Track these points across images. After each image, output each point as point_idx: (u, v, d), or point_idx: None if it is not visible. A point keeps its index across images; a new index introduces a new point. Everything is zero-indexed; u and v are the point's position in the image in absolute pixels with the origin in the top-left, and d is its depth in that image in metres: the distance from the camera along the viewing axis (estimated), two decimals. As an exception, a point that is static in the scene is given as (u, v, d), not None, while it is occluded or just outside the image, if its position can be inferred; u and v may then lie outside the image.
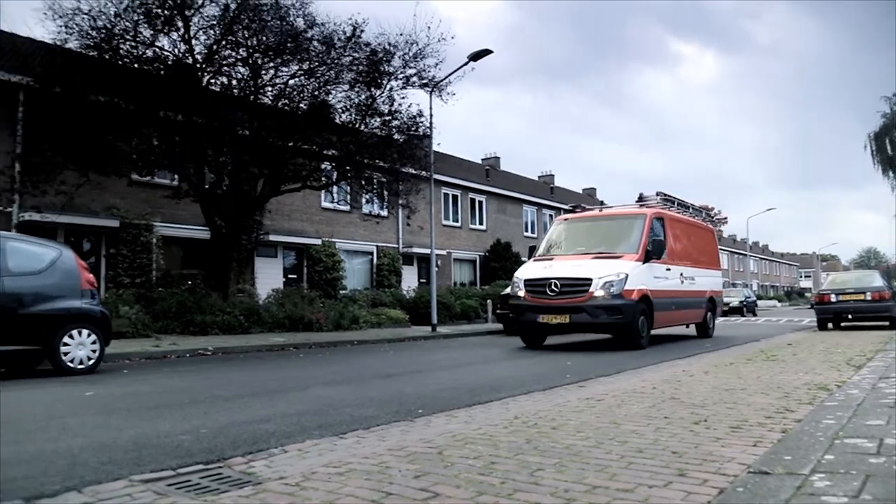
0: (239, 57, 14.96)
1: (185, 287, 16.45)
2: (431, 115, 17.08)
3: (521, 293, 11.72)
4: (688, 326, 14.85)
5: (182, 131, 15.40)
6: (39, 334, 7.64)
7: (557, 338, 13.39)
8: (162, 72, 15.10)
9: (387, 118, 16.28)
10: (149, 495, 2.79)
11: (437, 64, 16.17)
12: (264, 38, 14.48)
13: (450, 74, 16.80)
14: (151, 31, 14.77)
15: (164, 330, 14.17)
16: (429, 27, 16.80)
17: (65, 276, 8.06)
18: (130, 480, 3.00)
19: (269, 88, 15.68)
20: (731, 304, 35.66)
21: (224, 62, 15.06)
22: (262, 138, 15.34)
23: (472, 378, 7.43)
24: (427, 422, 4.39)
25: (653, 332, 12.30)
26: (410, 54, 15.65)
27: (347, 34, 15.46)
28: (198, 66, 14.96)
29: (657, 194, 13.81)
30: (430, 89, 16.49)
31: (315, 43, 15.31)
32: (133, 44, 14.81)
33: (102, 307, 8.67)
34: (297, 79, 15.53)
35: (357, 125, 16.33)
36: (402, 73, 15.88)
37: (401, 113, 16.28)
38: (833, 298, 16.72)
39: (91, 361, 8.05)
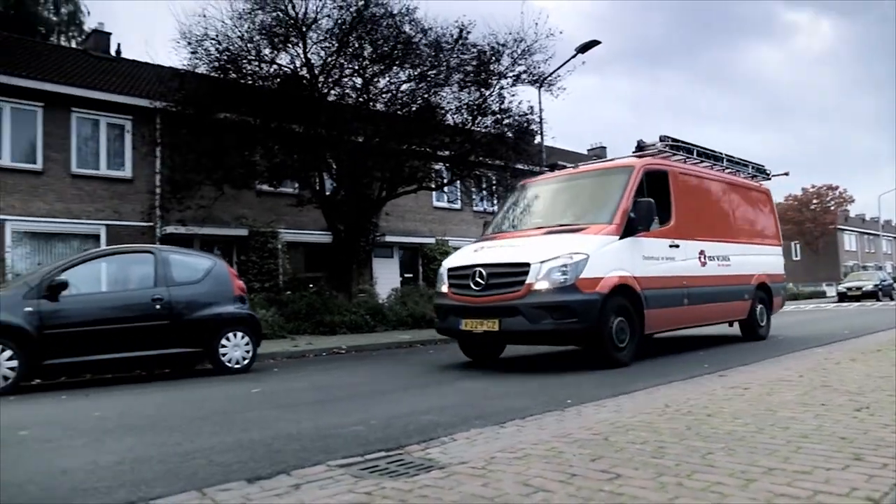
0: (355, 68, 15.63)
1: (312, 289, 17.34)
2: (541, 111, 17.24)
3: (444, 288, 8.31)
4: (731, 325, 10.79)
5: (303, 142, 16.25)
6: (201, 337, 8.40)
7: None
8: (282, 87, 16.02)
9: (499, 116, 16.56)
10: (348, 478, 3.11)
11: (546, 60, 16.35)
12: (377, 47, 15.06)
13: (558, 68, 16.89)
14: (271, 50, 15.74)
15: (296, 331, 15.00)
16: (536, 23, 16.96)
17: (219, 284, 8.82)
18: (328, 465, 3.34)
19: (383, 95, 16.30)
20: (864, 289, 33.66)
21: (341, 73, 15.78)
22: (379, 143, 15.97)
23: (604, 369, 7.52)
24: (578, 411, 4.55)
25: (671, 333, 10.00)
26: (518, 52, 15.90)
27: (455, 36, 15.87)
28: (315, 79, 15.75)
29: (660, 140, 9.68)
30: (539, 85, 16.64)
31: (423, 47, 15.80)
32: (256, 63, 15.82)
33: (251, 311, 9.39)
34: (409, 84, 16.07)
35: (469, 125, 16.70)
36: (511, 71, 16.15)
37: (512, 111, 16.53)
38: None
39: (246, 361, 8.76)
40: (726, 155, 10.98)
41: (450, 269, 8.34)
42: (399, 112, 16.35)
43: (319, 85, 15.81)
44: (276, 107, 15.26)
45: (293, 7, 15.08)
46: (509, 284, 7.46)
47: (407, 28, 15.57)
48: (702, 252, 9.23)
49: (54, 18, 33.90)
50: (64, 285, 7.62)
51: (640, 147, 9.63)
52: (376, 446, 3.73)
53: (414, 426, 4.36)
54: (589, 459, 3.08)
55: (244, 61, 15.64)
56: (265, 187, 18.33)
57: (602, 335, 7.32)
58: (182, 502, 2.84)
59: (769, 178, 12.14)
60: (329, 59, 15.55)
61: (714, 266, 9.45)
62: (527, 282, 7.28)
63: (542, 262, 7.29)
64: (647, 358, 8.29)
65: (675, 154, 9.71)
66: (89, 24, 33.56)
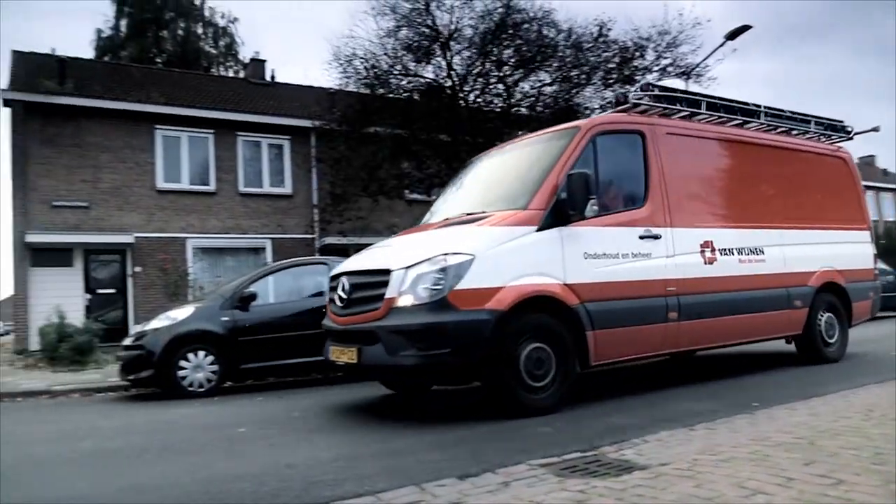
0: (500, 75, 15.93)
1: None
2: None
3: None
4: (789, 341, 7.80)
5: (450, 150, 16.71)
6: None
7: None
8: (427, 98, 16.62)
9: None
10: (552, 477, 3.26)
11: (693, 50, 15.87)
12: (520, 53, 15.27)
13: (706, 58, 16.26)
14: (416, 63, 16.38)
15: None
16: (680, 14, 16.46)
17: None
18: (529, 465, 3.50)
19: (527, 98, 16.47)
20: None
21: (486, 81, 16.12)
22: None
23: (785, 371, 7.22)
24: (768, 414, 4.45)
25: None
26: (663, 45, 15.56)
27: (594, 35, 15.80)
28: (459, 88, 16.19)
29: (642, 88, 6.89)
30: (686, 77, 16.15)
31: (564, 48, 15.82)
32: (402, 76, 16.51)
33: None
34: (552, 86, 16.13)
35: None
36: (656, 65, 15.85)
37: (659, 105, 16.16)
38: None
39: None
40: (766, 108, 7.83)
41: (330, 279, 6.43)
42: (543, 115, 16.43)
43: (463, 94, 16.23)
44: (422, 118, 15.85)
45: (433, 20, 15.61)
46: (370, 300, 5.45)
47: (545, 31, 15.70)
48: (707, 244, 6.56)
49: (214, 51, 37.08)
50: (254, 296, 8.40)
51: (618, 102, 6.90)
52: (570, 447, 3.84)
53: (602, 427, 4.45)
54: (801, 464, 3.04)
55: (391, 76, 16.36)
56: (415, 195, 19.04)
57: (500, 370, 5.09)
58: (404, 496, 3.10)
59: (850, 138, 8.76)
60: (471, 67, 15.94)
61: (731, 263, 6.75)
62: (387, 296, 5.22)
63: (406, 267, 5.20)
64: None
65: (671, 110, 6.89)
66: (243, 53, 36.52)
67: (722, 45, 16.13)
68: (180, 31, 36.23)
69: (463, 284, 5.01)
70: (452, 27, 15.65)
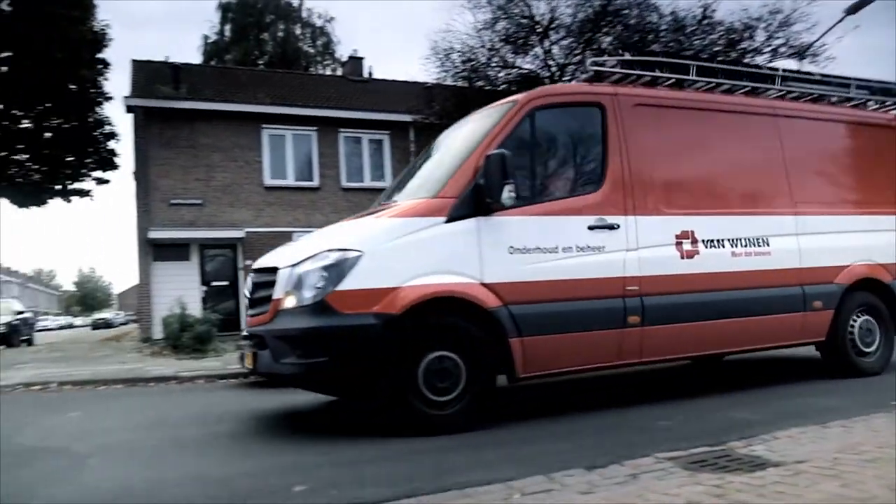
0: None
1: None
2: (804, 86, 15.87)
3: None
4: (818, 349, 6.44)
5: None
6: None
7: None
8: (522, 88, 16.57)
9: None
10: (680, 470, 3.23)
11: (808, 28, 15.04)
12: (622, 39, 15.02)
13: (822, 35, 15.35)
14: (514, 54, 16.36)
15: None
16: (794, -9, 15.67)
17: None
18: (656, 458, 3.48)
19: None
20: None
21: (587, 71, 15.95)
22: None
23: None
24: (910, 414, 4.24)
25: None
26: (775, 24, 14.84)
27: (698, 17, 15.30)
28: (556, 77, 16.06)
29: (610, 55, 5.37)
30: (800, 58, 15.34)
31: (665, 32, 15.42)
32: (499, 68, 16.54)
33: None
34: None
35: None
36: (767, 46, 15.12)
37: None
38: None
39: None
40: (784, 71, 6.69)
41: None
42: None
43: (563, 83, 16.09)
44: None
45: (530, 10, 15.54)
46: (264, 301, 5.00)
47: (646, 15, 15.35)
48: (686, 234, 5.51)
49: (312, 51, 38.37)
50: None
51: (583, 71, 5.83)
52: (695, 442, 3.78)
53: (726, 423, 4.38)
54: (962, 468, 2.90)
55: (488, 68, 16.42)
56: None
57: (394, 381, 4.49)
58: (535, 484, 3.16)
59: None
60: (570, 56, 15.79)
61: (720, 256, 5.64)
62: (274, 297, 4.80)
63: (292, 265, 4.74)
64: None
65: (659, 78, 5.91)
66: (340, 51, 37.58)
67: (841, 20, 15.20)
68: (280, 33, 37.69)
69: (346, 284, 4.48)
70: (550, 16, 15.55)
